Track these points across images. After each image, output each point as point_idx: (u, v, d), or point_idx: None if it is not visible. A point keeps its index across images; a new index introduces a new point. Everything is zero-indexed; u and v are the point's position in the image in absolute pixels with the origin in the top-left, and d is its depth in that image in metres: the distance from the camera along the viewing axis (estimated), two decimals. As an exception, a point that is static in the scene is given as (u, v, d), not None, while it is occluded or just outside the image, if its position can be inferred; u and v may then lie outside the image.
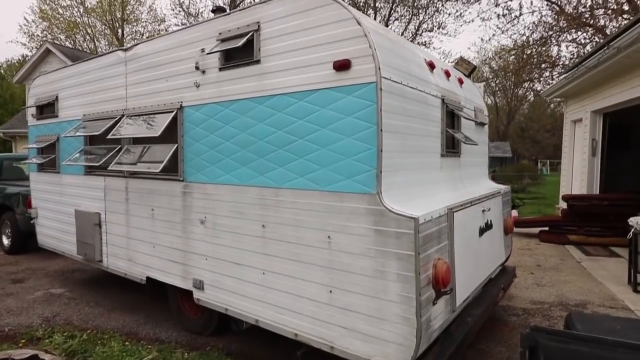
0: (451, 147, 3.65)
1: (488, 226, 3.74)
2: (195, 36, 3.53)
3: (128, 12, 33.79)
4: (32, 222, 6.13)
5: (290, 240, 2.95)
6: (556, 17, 18.06)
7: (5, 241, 7.86)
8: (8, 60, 38.78)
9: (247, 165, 3.20)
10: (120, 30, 33.81)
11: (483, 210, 3.58)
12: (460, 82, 4.01)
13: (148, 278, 4.16)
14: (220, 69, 3.35)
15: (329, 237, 2.74)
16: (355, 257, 2.62)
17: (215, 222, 3.47)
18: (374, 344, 2.54)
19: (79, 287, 5.66)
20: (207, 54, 3.29)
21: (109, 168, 4.11)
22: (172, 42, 3.75)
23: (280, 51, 2.95)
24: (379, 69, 2.50)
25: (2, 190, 8.00)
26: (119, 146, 4.34)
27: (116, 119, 4.32)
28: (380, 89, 2.50)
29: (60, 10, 31.99)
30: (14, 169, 9.08)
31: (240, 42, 3.04)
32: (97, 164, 4.23)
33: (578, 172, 9.74)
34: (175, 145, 3.72)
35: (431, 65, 3.35)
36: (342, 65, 2.61)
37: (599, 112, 8.66)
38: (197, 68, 3.45)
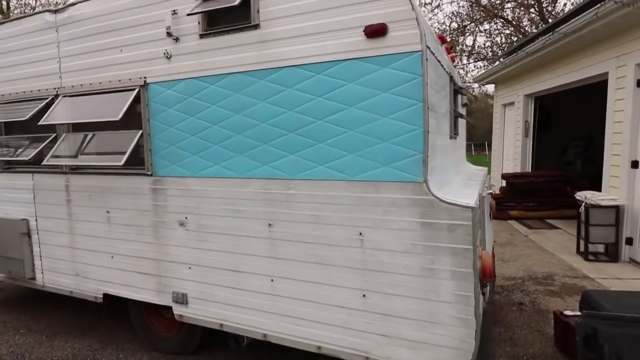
0: (454, 128, 3.45)
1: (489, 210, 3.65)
2: (163, -6, 2.83)
3: (12, -22, 28.87)
4: None
5: (308, 240, 2.51)
6: (472, 7, 19.20)
7: None
8: None
9: (245, 154, 2.66)
10: (5, 2, 28.85)
11: (489, 194, 3.46)
12: (453, 60, 3.81)
13: (106, 295, 3.40)
14: (202, 36, 2.72)
15: (360, 233, 2.36)
16: (396, 255, 2.27)
17: (201, 223, 2.88)
18: (424, 350, 2.25)
19: (-2, 312, 4.56)
20: (189, 14, 2.63)
21: (45, 162, 3.23)
22: (128, 2, 2.99)
23: (288, 13, 2.43)
24: (424, 35, 2.14)
25: None
26: (54, 135, 3.44)
27: (47, 100, 3.41)
28: (427, 60, 2.14)
29: None
30: None
31: (236, 1, 2.46)
32: (26, 158, 3.30)
33: (510, 152, 10.43)
34: (139, 132, 3.00)
35: (442, 39, 3.08)
36: (376, 31, 2.20)
37: (531, 96, 9.29)
38: (168, 34, 2.77)
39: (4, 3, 28.68)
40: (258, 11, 2.52)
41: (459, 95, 3.55)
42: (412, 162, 2.19)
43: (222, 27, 2.64)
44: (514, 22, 18.42)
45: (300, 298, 2.57)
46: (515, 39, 17.19)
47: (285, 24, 2.45)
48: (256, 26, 2.53)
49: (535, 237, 7.14)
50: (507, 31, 18.70)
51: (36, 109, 3.33)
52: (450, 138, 3.23)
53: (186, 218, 2.94)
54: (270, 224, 2.63)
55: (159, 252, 3.08)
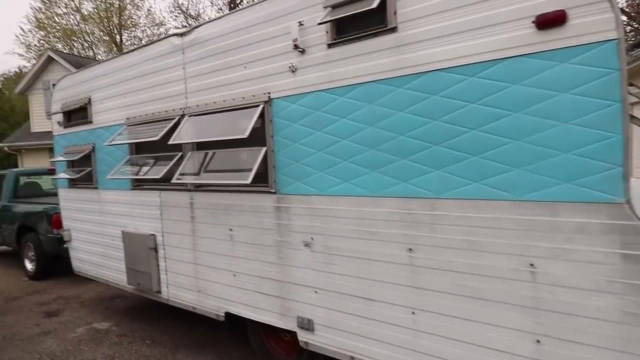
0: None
1: None
2: (289, 6, 2.73)
3: (125, 17, 32.98)
4: (65, 245, 5.35)
5: (458, 269, 2.17)
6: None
7: (29, 266, 7.09)
8: (4, 74, 37.89)
9: (380, 170, 2.41)
10: (118, 36, 33.01)
11: None
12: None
13: (227, 314, 3.38)
14: (330, 45, 2.56)
15: (531, 265, 1.95)
16: (584, 295, 1.83)
17: (328, 244, 2.69)
18: (628, 419, 1.76)
19: (125, 320, 4.88)
20: (320, 23, 2.49)
21: (174, 181, 3.32)
22: (251, 19, 2.96)
23: (432, 12, 2.15)
24: (619, 19, 1.71)
25: (21, 210, 7.23)
26: (180, 153, 3.56)
27: (174, 120, 3.53)
28: (624, 50, 1.71)
29: (56, 18, 31.21)
30: (31, 184, 8.31)
31: (374, 3, 2.24)
32: (156, 177, 3.44)
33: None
34: (263, 149, 2.93)
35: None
36: (551, 21, 1.81)
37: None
38: (295, 47, 2.66)
39: (118, 37, 32.82)
40: (395, 13, 2.28)
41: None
42: (607, 178, 1.75)
43: (352, 35, 2.45)
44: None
45: (448, 336, 2.22)
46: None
47: (428, 24, 2.17)
48: (393, 29, 2.28)
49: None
50: None
51: (165, 129, 3.46)
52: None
53: (312, 238, 2.77)
54: (410, 249, 2.34)
55: (282, 273, 2.96)
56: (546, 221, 1.90)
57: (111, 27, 32.60)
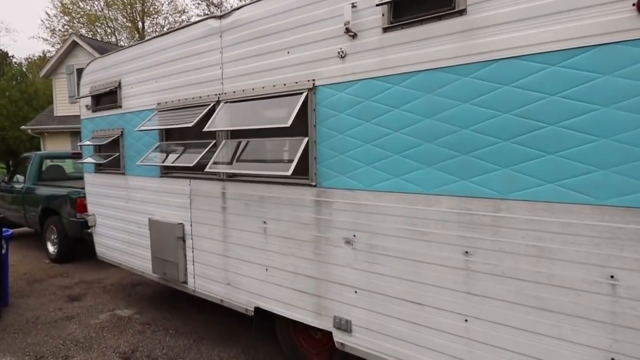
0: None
1: None
2: (341, -13, 2.56)
3: (148, 4, 33.10)
4: (89, 230, 5.31)
5: (524, 277, 1.98)
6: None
7: (51, 248, 7.11)
8: (29, 58, 38.53)
9: (436, 165, 2.23)
10: (140, 23, 33.17)
11: None
12: None
13: (257, 309, 3.26)
14: (386, 29, 2.37)
15: (612, 276, 1.76)
16: (677, 313, 1.63)
17: (372, 243, 2.52)
18: None
19: (148, 308, 4.82)
20: (378, 5, 2.30)
21: (208, 169, 3.19)
22: (297, 0, 2.78)
23: (508, -7, 1.95)
24: None
25: (45, 193, 7.25)
26: (213, 141, 3.42)
27: (209, 107, 3.39)
28: None
29: (81, 4, 31.50)
30: (55, 168, 8.33)
31: (442, -17, 2.05)
32: (189, 165, 3.32)
33: None
34: (305, 139, 2.77)
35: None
36: (656, 3, 1.60)
37: None
38: (347, 30, 2.48)
39: (140, 24, 32.97)
40: (464, -6, 2.08)
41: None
42: None
43: (413, 18, 2.26)
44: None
45: (507, 348, 2.05)
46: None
47: (503, 6, 1.97)
48: (461, 12, 2.09)
49: None
50: None
51: (200, 116, 3.33)
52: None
53: (354, 236, 2.61)
54: (467, 252, 2.16)
55: (319, 271, 2.82)
56: (634, 229, 1.70)
57: (134, 14, 32.79)
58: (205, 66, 3.46)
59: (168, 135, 3.99)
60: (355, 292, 2.63)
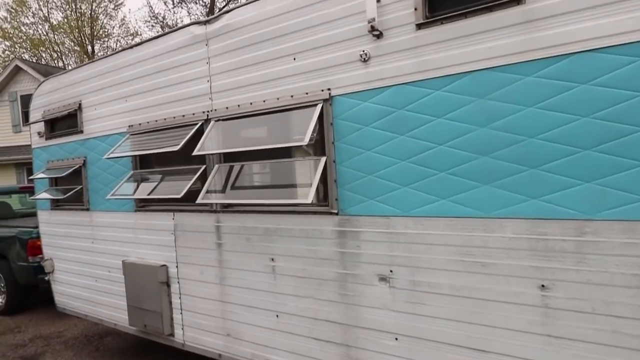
0: None
1: None
2: (359, -21, 2.19)
3: (98, 27, 31.73)
4: (46, 278, 4.53)
5: (621, 314, 1.63)
6: None
7: (-1, 299, 6.14)
8: (-34, 85, 35.66)
9: (496, 183, 1.86)
10: (90, 47, 31.68)
11: None
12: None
13: (267, 364, 2.72)
14: (421, 26, 2.01)
15: None
16: None
17: (415, 279, 2.11)
18: None
19: (122, 365, 4.11)
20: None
21: (200, 200, 2.67)
22: (304, -2, 2.39)
23: (579, -25, 1.65)
24: None
25: (-11, 235, 6.28)
26: (202, 167, 2.91)
27: (196, 126, 2.89)
28: None
29: (23, 28, 29.67)
30: (0, 205, 7.33)
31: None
32: (177, 196, 2.77)
33: None
34: (323, 159, 2.34)
35: None
36: None
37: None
38: (372, 29, 2.10)
39: (90, 47, 31.52)
40: (520, -21, 1.77)
41: None
42: None
43: (454, 10, 1.92)
44: None
45: (608, 402, 1.67)
46: None
47: (572, -9, 1.67)
48: (519, 0, 1.77)
49: None
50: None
51: (187, 138, 2.82)
52: None
53: (391, 271, 2.18)
54: (543, 285, 1.79)
55: (346, 315, 2.35)
56: None
57: (82, 37, 31.24)
58: (189, 80, 2.96)
59: (143, 162, 3.42)
60: (396, 339, 2.19)
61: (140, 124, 3.32)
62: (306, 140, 2.20)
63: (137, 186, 3.30)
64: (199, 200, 2.68)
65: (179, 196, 2.74)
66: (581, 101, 1.66)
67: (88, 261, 3.91)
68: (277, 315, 2.64)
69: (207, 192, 2.71)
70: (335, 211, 2.35)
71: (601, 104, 1.63)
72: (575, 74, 1.67)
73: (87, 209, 3.86)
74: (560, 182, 1.72)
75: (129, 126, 3.40)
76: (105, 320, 3.84)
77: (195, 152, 2.67)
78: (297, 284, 2.53)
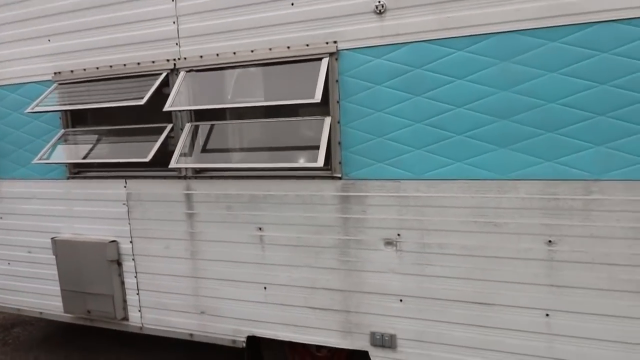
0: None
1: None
2: None
3: None
4: None
5: (618, 262, 1.85)
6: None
7: None
8: None
9: (513, 146, 1.92)
10: None
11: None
12: None
13: (251, 338, 2.56)
14: (446, -19, 1.92)
15: None
16: None
17: (425, 241, 2.12)
18: None
19: (41, 356, 3.50)
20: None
21: (173, 165, 2.28)
22: None
23: (609, -55, 1.71)
24: None
25: None
26: (169, 125, 2.48)
27: (160, 77, 2.43)
28: None
29: None
30: None
31: None
32: (146, 159, 2.31)
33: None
34: (327, 119, 2.16)
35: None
36: None
37: None
38: (391, -22, 1.93)
39: None
40: (551, -59, 1.77)
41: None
42: None
43: (482, -33, 1.86)
44: None
45: (595, 337, 1.92)
46: None
47: (600, -39, 1.73)
48: (551, -38, 1.78)
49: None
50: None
51: (152, 90, 2.35)
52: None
53: (398, 235, 2.17)
54: (550, 241, 1.94)
55: (346, 281, 2.29)
56: None
57: None
58: (147, 19, 2.45)
59: (75, 119, 2.81)
60: (400, 300, 2.21)
61: (72, 71, 2.68)
62: (317, 97, 2.00)
63: (74, 148, 2.71)
64: (172, 165, 2.30)
65: (146, 159, 2.31)
66: (601, 69, 1.77)
67: (-4, 241, 3.16)
68: (264, 288, 2.46)
69: (182, 154, 2.33)
70: (339, 175, 2.22)
71: (618, 72, 1.75)
72: (597, 43, 1.76)
73: (-8, 177, 3.08)
74: (574, 146, 1.85)
75: (56, 73, 2.73)
76: (25, 308, 3.19)
77: (167, 108, 2.25)
78: (291, 254, 2.38)
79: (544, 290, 1.97)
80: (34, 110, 2.61)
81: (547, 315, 1.98)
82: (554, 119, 1.85)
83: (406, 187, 2.12)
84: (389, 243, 2.20)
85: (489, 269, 2.04)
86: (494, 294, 2.05)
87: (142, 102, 2.30)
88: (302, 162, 2.11)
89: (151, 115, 2.54)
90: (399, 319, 2.23)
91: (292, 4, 2.17)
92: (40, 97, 2.66)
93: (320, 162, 2.03)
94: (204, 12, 2.33)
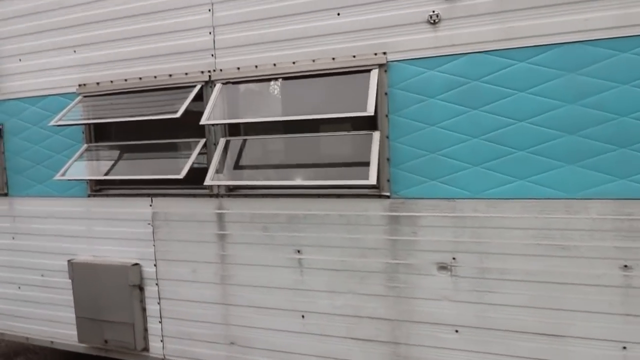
0: None
1: None
2: None
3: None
4: None
5: (703, 289, 1.70)
6: None
7: None
8: None
9: (581, 163, 1.79)
10: None
11: None
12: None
13: (286, 372, 2.35)
14: (507, -11, 1.83)
15: None
16: None
17: (484, 266, 1.96)
18: None
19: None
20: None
21: (208, 182, 2.13)
22: (354, -58, 2.02)
23: (685, -48, 1.63)
24: None
25: None
26: (201, 140, 2.34)
27: (195, 89, 2.31)
28: None
29: None
30: None
31: None
32: (179, 176, 2.16)
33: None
34: (376, 134, 2.03)
35: None
36: None
37: None
38: (448, -14, 1.85)
39: None
40: (623, -52, 1.69)
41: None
42: None
43: (547, -25, 1.78)
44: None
45: (686, 374, 1.74)
46: None
47: (676, -32, 1.64)
48: (621, -28, 1.69)
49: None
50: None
51: (186, 102, 2.22)
52: None
53: (454, 259, 2.00)
54: (625, 266, 1.78)
55: (395, 309, 2.11)
56: None
57: None
58: (182, 29, 2.35)
59: (98, 133, 2.67)
60: (456, 331, 2.03)
61: (98, 83, 2.56)
62: (370, 110, 1.88)
63: (96, 164, 2.56)
64: (207, 182, 2.15)
65: (180, 176, 2.16)
66: (680, 81, 1.66)
67: (6, 263, 2.97)
68: (302, 316, 2.28)
69: (217, 171, 2.19)
70: (387, 194, 2.07)
71: (700, 84, 1.65)
72: (675, 53, 1.66)
73: (6, 194, 2.91)
74: (651, 162, 1.72)
75: (80, 85, 2.61)
76: (34, 337, 2.97)
77: (203, 121, 2.12)
78: (332, 279, 2.20)
79: (620, 321, 1.80)
80: (59, 124, 2.47)
81: (624, 348, 1.80)
82: (627, 133, 1.73)
83: (462, 206, 1.97)
84: (442, 267, 2.03)
85: (557, 297, 1.87)
86: (563, 324, 1.87)
87: (177, 115, 2.17)
88: (350, 180, 1.96)
89: (178, 129, 2.42)
90: (454, 352, 2.04)
91: (339, 14, 2.08)
92: (65, 110, 2.53)
93: (373, 180, 1.89)
94: (243, 22, 2.24)
